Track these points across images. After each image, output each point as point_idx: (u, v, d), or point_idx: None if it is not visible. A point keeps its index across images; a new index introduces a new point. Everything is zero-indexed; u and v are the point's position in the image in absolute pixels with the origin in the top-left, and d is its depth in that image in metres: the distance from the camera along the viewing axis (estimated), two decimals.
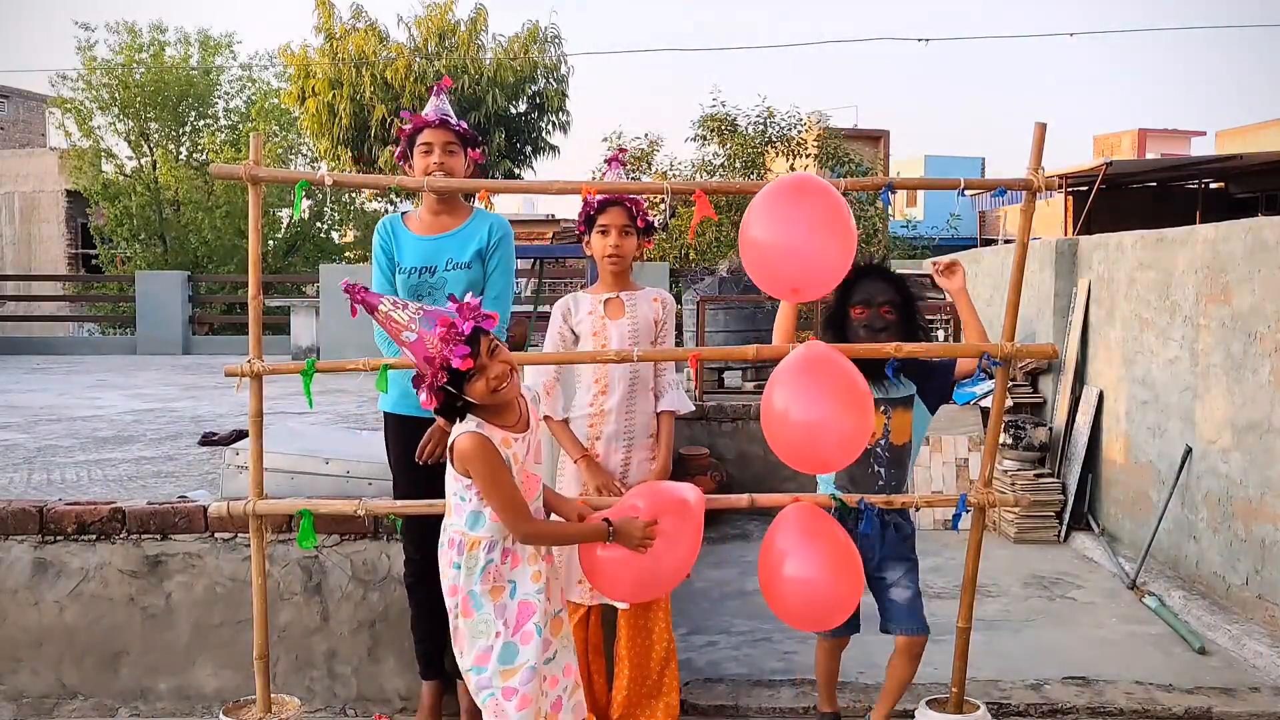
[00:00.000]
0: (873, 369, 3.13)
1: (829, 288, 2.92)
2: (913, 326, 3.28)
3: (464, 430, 2.57)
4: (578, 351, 3.43)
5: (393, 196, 16.13)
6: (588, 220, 3.43)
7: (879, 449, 3.28)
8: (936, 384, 3.33)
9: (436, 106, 3.39)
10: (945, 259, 3.39)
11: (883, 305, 3.22)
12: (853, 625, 3.35)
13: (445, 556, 2.69)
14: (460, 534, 2.65)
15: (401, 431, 3.46)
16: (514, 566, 2.65)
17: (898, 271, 3.40)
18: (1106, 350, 6.18)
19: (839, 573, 2.91)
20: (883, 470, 3.29)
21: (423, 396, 2.54)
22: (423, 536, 3.46)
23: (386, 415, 3.54)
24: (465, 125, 3.40)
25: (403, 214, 3.53)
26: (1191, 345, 5.17)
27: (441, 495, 3.30)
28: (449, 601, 2.68)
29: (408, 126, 3.38)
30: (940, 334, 8.32)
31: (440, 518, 3.27)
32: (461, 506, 2.65)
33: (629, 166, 17.85)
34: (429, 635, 3.54)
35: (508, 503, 2.56)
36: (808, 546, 2.92)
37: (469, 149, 3.43)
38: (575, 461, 3.40)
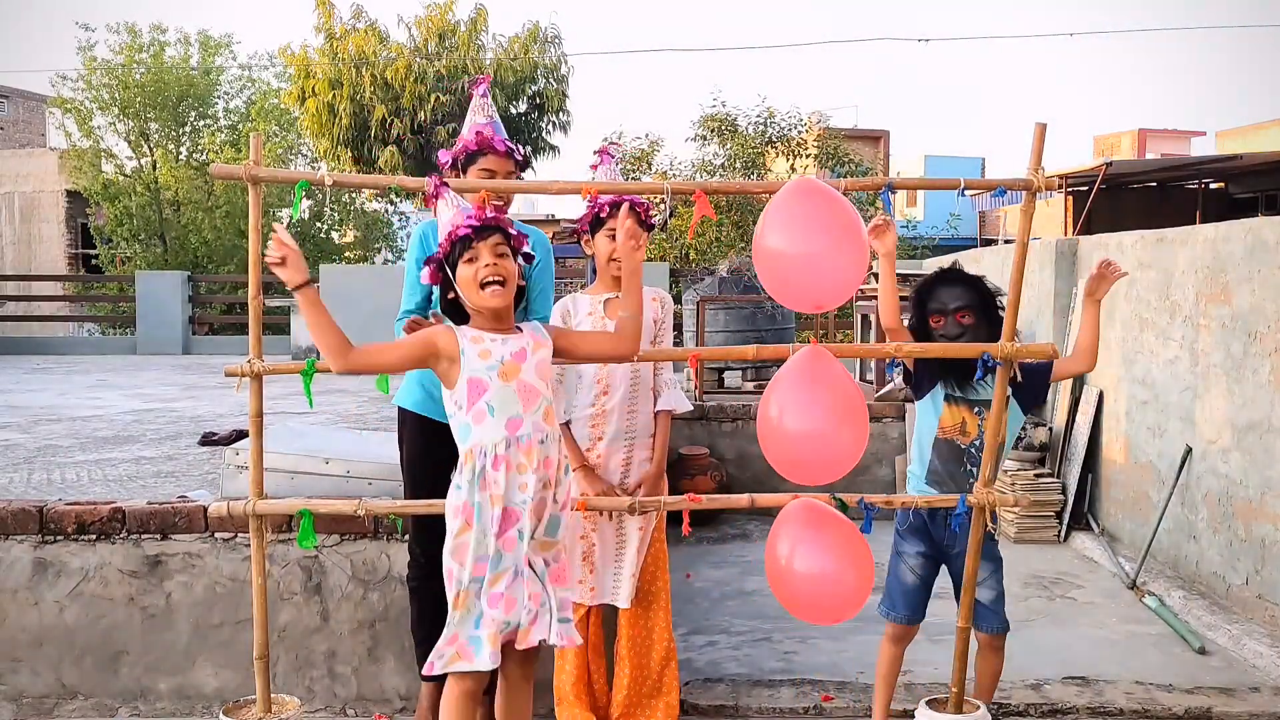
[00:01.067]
0: (964, 370, 3.16)
1: (845, 298, 2.91)
2: (995, 326, 3.23)
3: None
4: None
5: (393, 196, 16.14)
6: (595, 221, 3.42)
7: (973, 449, 3.27)
8: (1030, 384, 3.28)
9: (493, 121, 3.32)
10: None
11: (957, 311, 3.21)
12: (923, 611, 3.38)
13: (452, 482, 2.72)
14: (461, 453, 2.70)
15: (419, 432, 3.42)
16: (507, 471, 2.64)
17: (971, 273, 3.35)
18: (1106, 350, 6.18)
19: (848, 564, 2.92)
20: (974, 470, 3.26)
21: (426, 271, 2.71)
22: (430, 538, 3.46)
23: (404, 412, 3.46)
24: (521, 151, 3.39)
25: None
26: (1191, 345, 5.17)
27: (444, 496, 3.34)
28: (454, 523, 2.67)
29: (470, 138, 3.29)
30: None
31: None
32: (454, 425, 2.71)
33: (625, 165, 17.74)
34: (431, 637, 3.52)
35: (360, 351, 2.71)
36: (816, 539, 2.93)
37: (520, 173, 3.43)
38: (573, 470, 3.40)
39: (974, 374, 3.15)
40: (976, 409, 3.27)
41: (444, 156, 3.39)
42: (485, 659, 2.61)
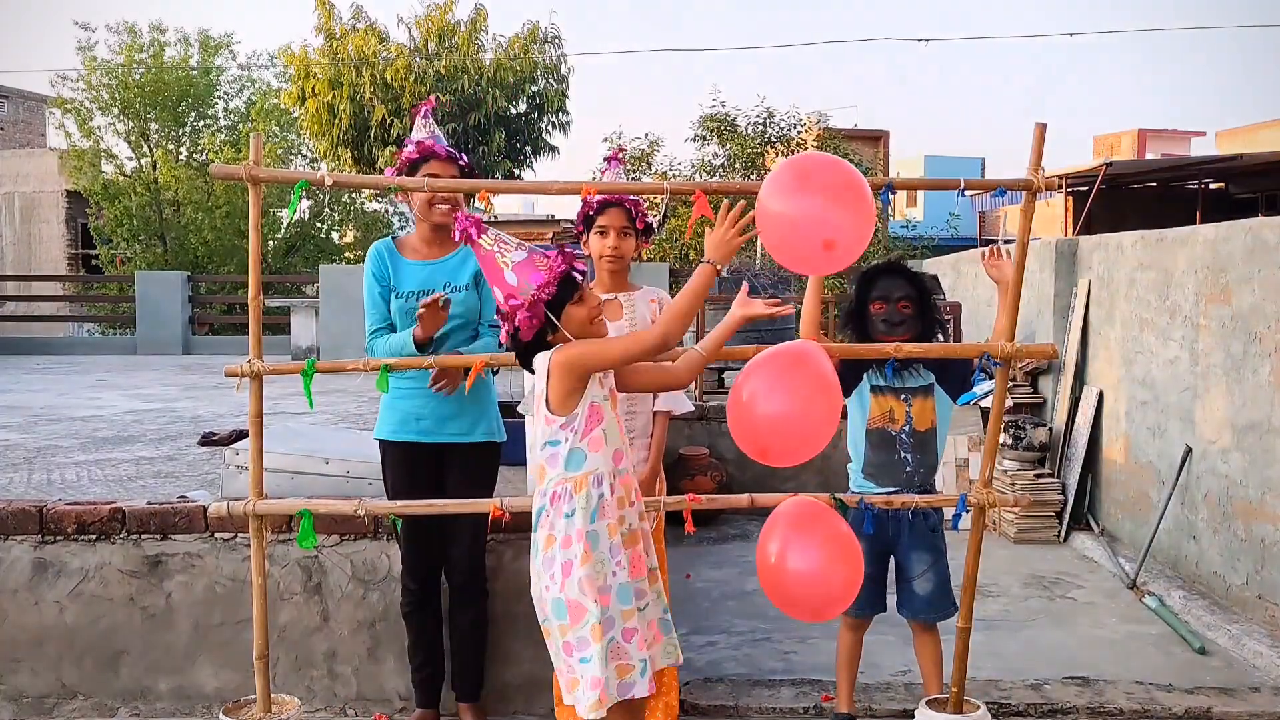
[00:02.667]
0: (895, 362, 3.30)
1: (857, 253, 2.85)
2: (929, 321, 3.42)
3: (551, 350, 2.58)
4: None
5: (392, 196, 16.15)
6: (586, 220, 3.44)
7: (903, 435, 3.39)
8: (953, 374, 3.43)
9: (434, 135, 3.34)
10: (994, 249, 3.40)
11: (900, 300, 3.36)
12: (879, 605, 3.47)
13: (554, 514, 2.59)
14: (563, 482, 2.59)
15: (402, 459, 3.41)
16: (617, 503, 2.62)
17: (915, 270, 3.49)
18: (1106, 350, 6.18)
19: (836, 561, 2.92)
20: (909, 456, 3.39)
21: (521, 316, 2.53)
22: (422, 570, 3.49)
23: (384, 444, 3.45)
24: (465, 159, 3.40)
25: (393, 238, 3.50)
26: (1191, 345, 5.17)
27: (445, 519, 3.36)
28: (562, 555, 2.55)
29: (411, 149, 3.32)
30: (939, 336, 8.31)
31: (440, 543, 3.38)
32: (557, 454, 2.60)
33: (629, 166, 17.63)
34: (427, 663, 3.56)
35: (629, 343, 2.58)
36: (804, 536, 2.93)
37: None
38: None
39: (909, 361, 3.31)
40: (903, 396, 3.40)
41: (389, 174, 3.37)
42: (632, 686, 2.55)
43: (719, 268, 2.63)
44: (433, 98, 3.73)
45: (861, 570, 3.03)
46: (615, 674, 2.55)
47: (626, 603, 2.58)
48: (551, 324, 2.57)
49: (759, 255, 12.75)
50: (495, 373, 3.50)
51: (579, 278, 2.58)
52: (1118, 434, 5.98)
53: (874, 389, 3.42)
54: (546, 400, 2.60)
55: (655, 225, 3.50)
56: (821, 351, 2.89)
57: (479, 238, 2.62)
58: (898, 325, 3.35)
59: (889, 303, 3.36)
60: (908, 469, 3.38)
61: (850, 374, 3.39)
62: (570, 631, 2.57)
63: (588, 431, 2.59)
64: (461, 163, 3.36)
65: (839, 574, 2.92)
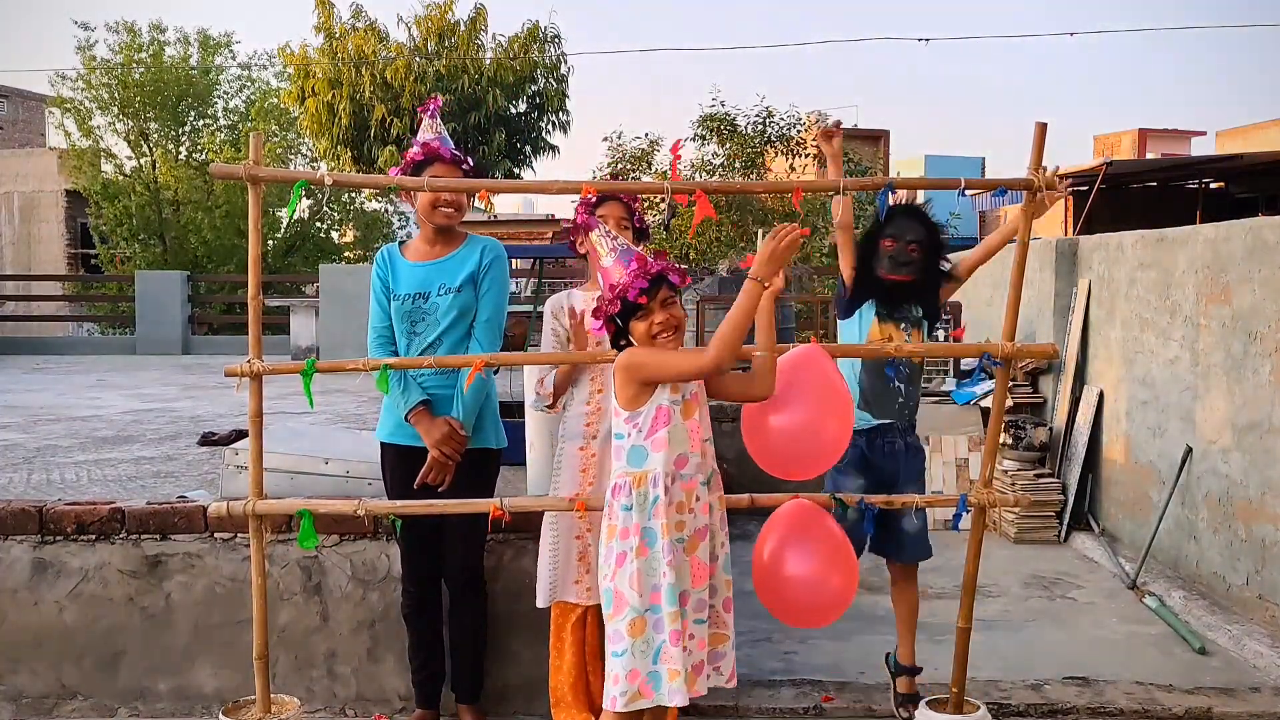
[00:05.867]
0: (898, 296, 3.40)
1: None
2: (934, 269, 3.46)
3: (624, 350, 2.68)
4: (574, 350, 3.42)
5: (392, 196, 16.13)
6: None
7: (900, 364, 3.43)
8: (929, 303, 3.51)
9: (440, 136, 3.34)
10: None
11: (910, 243, 3.40)
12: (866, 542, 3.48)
13: (615, 505, 2.68)
14: (625, 475, 2.68)
15: (401, 462, 3.41)
16: (669, 507, 2.67)
17: (933, 219, 3.53)
18: (1106, 350, 6.18)
19: (832, 569, 2.92)
20: (902, 386, 3.45)
21: (597, 324, 2.75)
22: (421, 573, 3.49)
23: (383, 445, 3.48)
24: (469, 161, 3.41)
25: (400, 243, 3.51)
26: (1192, 345, 5.17)
27: (442, 523, 3.36)
28: (619, 546, 2.64)
29: (416, 150, 3.30)
30: (940, 334, 8.30)
31: (438, 546, 3.39)
32: (621, 448, 2.70)
33: (625, 165, 17.50)
34: (427, 664, 3.56)
35: (685, 363, 2.66)
36: (800, 544, 2.93)
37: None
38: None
39: (909, 297, 3.41)
40: (904, 326, 3.45)
41: (394, 173, 3.37)
42: (665, 694, 2.60)
43: (765, 285, 2.69)
44: (438, 96, 3.72)
45: (856, 581, 3.03)
46: (668, 676, 2.59)
47: (672, 604, 2.63)
48: (622, 332, 2.71)
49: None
50: (495, 372, 3.49)
51: (642, 299, 2.64)
52: (1118, 434, 5.98)
53: (879, 315, 3.45)
54: (615, 394, 2.70)
55: (663, 224, 3.53)
56: (827, 357, 2.90)
57: (589, 235, 2.80)
58: (903, 265, 3.39)
59: (899, 242, 3.40)
60: (899, 399, 3.44)
61: (859, 293, 3.46)
62: (610, 622, 2.65)
63: (652, 431, 2.67)
64: (465, 166, 3.36)
65: (832, 583, 2.92)
